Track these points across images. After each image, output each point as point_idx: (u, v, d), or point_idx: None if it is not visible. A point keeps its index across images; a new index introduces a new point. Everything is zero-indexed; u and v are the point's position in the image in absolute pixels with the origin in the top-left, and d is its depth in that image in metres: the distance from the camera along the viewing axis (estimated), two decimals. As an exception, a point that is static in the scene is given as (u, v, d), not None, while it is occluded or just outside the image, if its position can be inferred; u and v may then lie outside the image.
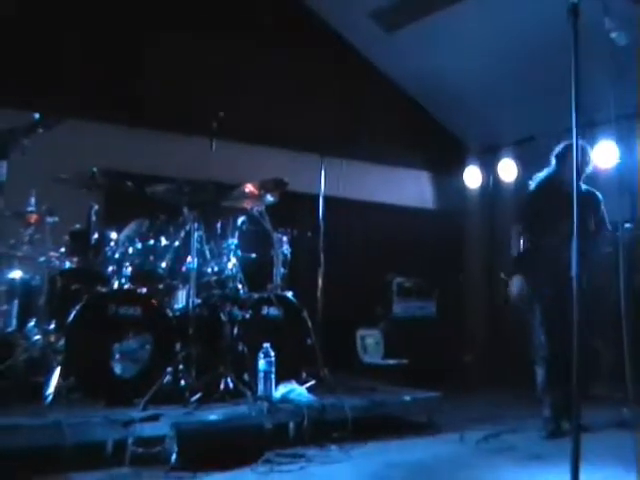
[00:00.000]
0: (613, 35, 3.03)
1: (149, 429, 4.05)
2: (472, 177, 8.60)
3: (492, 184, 8.46)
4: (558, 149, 5.33)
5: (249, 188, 5.45)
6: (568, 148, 5.09)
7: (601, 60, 3.16)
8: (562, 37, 3.17)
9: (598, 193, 5.31)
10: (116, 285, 5.03)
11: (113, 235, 5.22)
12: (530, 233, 5.32)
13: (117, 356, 4.61)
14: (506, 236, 5.72)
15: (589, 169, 5.30)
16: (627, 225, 4.94)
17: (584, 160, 5.17)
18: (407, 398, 5.26)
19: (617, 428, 4.81)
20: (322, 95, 7.72)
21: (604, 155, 6.65)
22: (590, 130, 6.44)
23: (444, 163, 8.79)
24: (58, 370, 4.47)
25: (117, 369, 4.61)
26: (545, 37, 4.00)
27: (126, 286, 5.02)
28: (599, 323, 3.36)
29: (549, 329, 5.05)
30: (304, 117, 7.46)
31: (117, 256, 5.13)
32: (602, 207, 5.25)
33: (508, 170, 8.12)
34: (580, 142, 4.36)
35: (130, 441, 3.93)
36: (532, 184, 5.46)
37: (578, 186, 4.89)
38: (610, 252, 4.98)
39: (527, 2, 6.07)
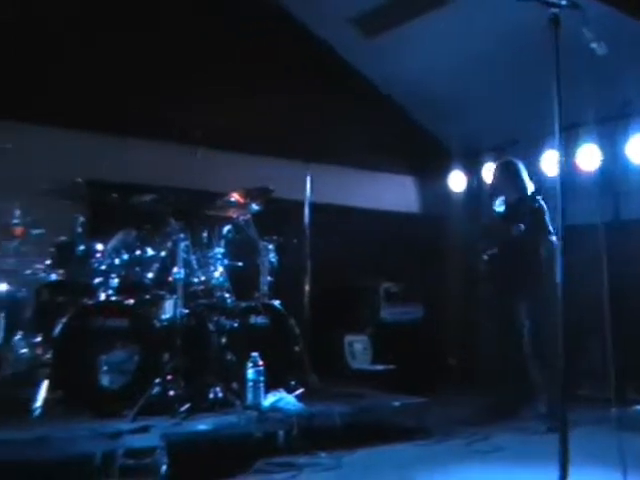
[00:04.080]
0: (593, 45, 3.06)
1: (139, 440, 4.02)
2: (456, 181, 8.61)
3: (476, 188, 8.47)
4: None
5: (234, 197, 5.46)
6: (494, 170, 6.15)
7: (582, 65, 3.18)
8: (541, 41, 3.19)
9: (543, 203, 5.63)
10: (103, 297, 5.00)
11: (99, 246, 5.19)
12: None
13: (104, 368, 4.60)
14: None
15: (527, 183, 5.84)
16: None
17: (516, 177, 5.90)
18: (396, 404, 5.28)
19: (603, 427, 4.84)
20: (305, 101, 7.70)
21: (587, 157, 6.67)
22: (574, 133, 6.49)
23: (428, 167, 8.81)
24: (45, 383, 4.44)
25: (104, 381, 4.60)
26: (525, 41, 4.03)
27: (113, 298, 5.01)
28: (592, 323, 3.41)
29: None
30: (288, 124, 7.44)
31: (104, 267, 5.10)
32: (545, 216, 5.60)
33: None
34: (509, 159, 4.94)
35: (120, 453, 3.91)
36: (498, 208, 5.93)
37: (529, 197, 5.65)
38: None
39: (505, 7, 6.10)
